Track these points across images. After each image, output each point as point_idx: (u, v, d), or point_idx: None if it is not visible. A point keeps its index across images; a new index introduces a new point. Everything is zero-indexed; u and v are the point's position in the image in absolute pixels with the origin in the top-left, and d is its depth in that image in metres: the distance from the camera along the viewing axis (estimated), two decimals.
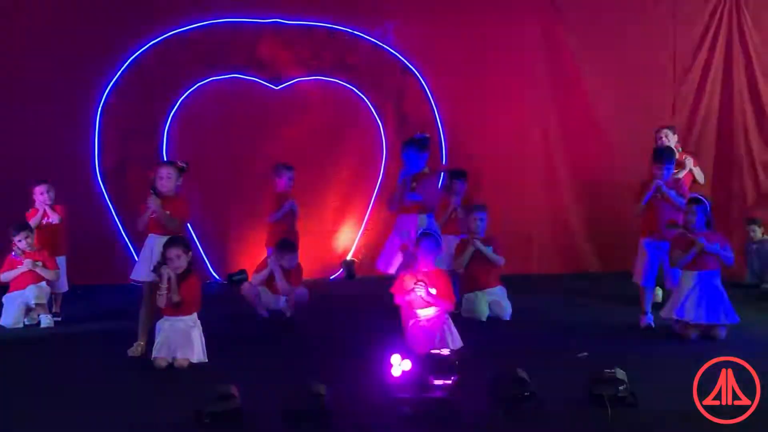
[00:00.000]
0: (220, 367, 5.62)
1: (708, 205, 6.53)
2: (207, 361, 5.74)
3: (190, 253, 5.85)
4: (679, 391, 4.74)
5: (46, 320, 7.19)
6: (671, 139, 8.00)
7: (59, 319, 7.41)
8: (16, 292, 7.23)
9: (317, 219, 9.66)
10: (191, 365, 5.64)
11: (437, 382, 4.49)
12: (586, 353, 5.84)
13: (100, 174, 9.36)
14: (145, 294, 6.08)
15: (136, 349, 6.02)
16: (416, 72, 9.92)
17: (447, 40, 9.89)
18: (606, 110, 10.07)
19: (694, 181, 8.26)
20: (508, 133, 10.00)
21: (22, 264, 7.23)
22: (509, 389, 4.53)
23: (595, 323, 7.09)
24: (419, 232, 6.28)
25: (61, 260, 7.56)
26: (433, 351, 5.03)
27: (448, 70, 9.90)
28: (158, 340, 5.73)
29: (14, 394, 5.10)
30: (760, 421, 4.25)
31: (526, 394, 4.53)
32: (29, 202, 7.58)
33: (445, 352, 4.82)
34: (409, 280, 5.96)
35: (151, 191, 6.00)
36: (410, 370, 4.49)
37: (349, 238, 9.98)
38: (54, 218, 7.52)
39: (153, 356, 5.69)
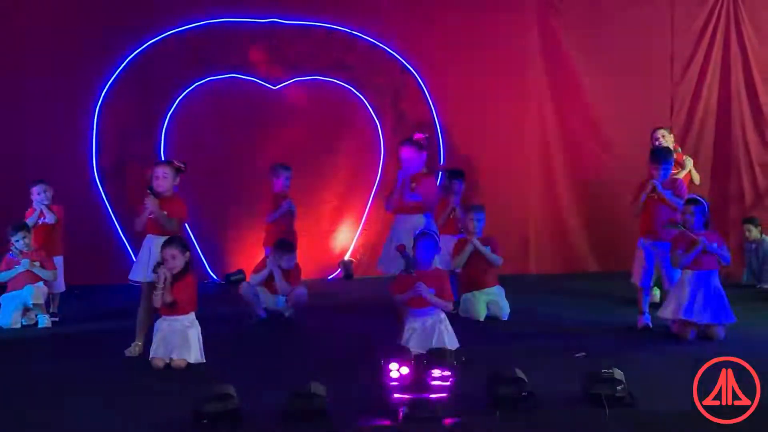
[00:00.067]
0: (218, 368, 5.61)
1: (706, 205, 6.54)
2: (204, 361, 5.73)
3: (188, 253, 5.84)
4: (677, 391, 4.76)
5: (43, 320, 7.19)
6: (668, 140, 8.01)
7: (57, 319, 7.40)
8: (13, 292, 7.21)
9: (315, 219, 9.66)
10: (189, 365, 5.64)
11: (435, 382, 4.49)
12: (583, 353, 5.85)
13: (97, 174, 9.36)
14: (143, 294, 6.06)
15: (133, 349, 6.02)
16: (414, 72, 9.92)
17: (445, 39, 9.88)
18: (604, 110, 10.07)
19: (690, 181, 8.28)
20: (506, 133, 9.98)
21: (19, 264, 7.23)
22: (507, 389, 4.54)
23: (592, 323, 7.09)
24: (417, 232, 6.28)
25: (58, 260, 7.55)
26: (430, 351, 5.05)
27: (446, 70, 9.89)
28: (155, 340, 5.73)
29: (12, 394, 5.09)
30: (760, 421, 4.26)
31: (523, 393, 4.54)
32: (28, 202, 7.57)
33: (443, 352, 4.82)
34: (407, 280, 5.95)
35: (149, 191, 6.00)
36: (409, 369, 4.50)
37: (347, 238, 9.98)
38: (49, 218, 7.50)
39: (150, 356, 5.69)
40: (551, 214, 10.20)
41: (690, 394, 4.45)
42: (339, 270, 9.90)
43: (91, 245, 9.00)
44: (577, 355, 5.83)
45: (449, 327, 5.90)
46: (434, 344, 5.63)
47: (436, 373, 4.51)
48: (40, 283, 7.25)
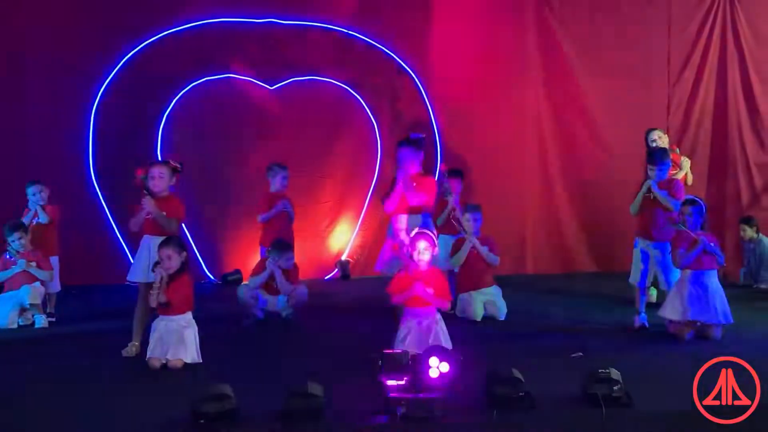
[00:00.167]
0: (215, 368, 5.61)
1: (704, 206, 6.54)
2: (201, 361, 5.73)
3: (185, 253, 5.82)
4: (675, 390, 4.76)
5: (40, 320, 7.17)
6: (664, 141, 8.01)
7: (53, 319, 7.39)
8: (10, 293, 7.20)
9: (312, 219, 9.66)
10: (185, 365, 5.63)
11: (433, 382, 4.49)
12: (580, 353, 5.85)
13: (94, 173, 9.34)
14: (141, 294, 6.05)
15: (130, 349, 6.01)
16: (411, 72, 9.92)
17: (442, 40, 9.89)
18: (601, 110, 10.08)
19: (684, 182, 8.28)
20: (503, 133, 9.99)
21: (16, 264, 7.21)
22: (504, 389, 4.54)
23: (589, 323, 7.10)
24: (415, 231, 6.27)
25: (54, 260, 7.53)
26: (429, 350, 5.03)
27: (442, 70, 9.89)
28: (152, 340, 5.71)
29: (9, 394, 5.07)
30: (760, 421, 4.26)
31: (520, 393, 4.55)
32: (25, 202, 7.56)
33: (443, 351, 4.82)
34: (405, 280, 5.95)
35: (145, 192, 5.98)
36: (413, 370, 4.50)
37: (344, 238, 9.98)
38: (42, 218, 7.48)
39: (147, 356, 5.68)
40: (548, 214, 10.20)
41: (689, 394, 4.45)
42: (336, 270, 9.90)
43: (87, 245, 9.00)
44: (574, 355, 5.83)
45: (444, 327, 5.91)
46: (431, 344, 5.62)
47: (434, 362, 4.51)
48: (37, 284, 7.24)
